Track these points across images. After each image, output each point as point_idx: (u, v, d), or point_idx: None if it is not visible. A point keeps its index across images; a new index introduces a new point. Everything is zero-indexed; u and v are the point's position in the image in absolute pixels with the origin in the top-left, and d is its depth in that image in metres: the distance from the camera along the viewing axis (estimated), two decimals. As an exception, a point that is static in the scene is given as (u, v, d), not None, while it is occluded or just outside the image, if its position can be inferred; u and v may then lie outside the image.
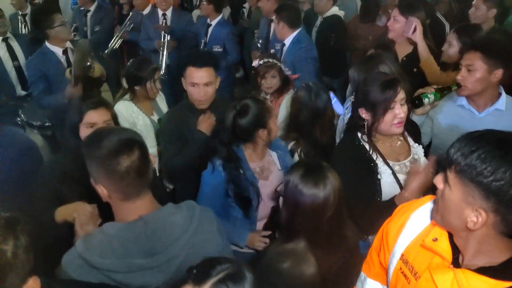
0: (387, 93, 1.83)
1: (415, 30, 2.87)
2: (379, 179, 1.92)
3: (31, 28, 4.87)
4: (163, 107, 3.10)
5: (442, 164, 1.15)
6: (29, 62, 3.60)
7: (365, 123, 1.93)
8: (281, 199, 1.68)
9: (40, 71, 3.39)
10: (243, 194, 2.07)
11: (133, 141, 1.36)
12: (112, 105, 2.21)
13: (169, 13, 4.67)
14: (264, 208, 2.11)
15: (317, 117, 2.45)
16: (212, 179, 2.08)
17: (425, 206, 1.32)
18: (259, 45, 4.33)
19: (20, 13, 4.97)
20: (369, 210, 1.87)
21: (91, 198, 1.81)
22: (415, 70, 2.94)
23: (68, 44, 3.52)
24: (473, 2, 3.62)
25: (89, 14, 5.01)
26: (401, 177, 1.94)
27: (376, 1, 4.63)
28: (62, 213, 1.86)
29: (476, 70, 2.14)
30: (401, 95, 1.85)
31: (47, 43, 3.44)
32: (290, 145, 2.44)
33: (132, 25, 5.03)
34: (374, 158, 1.93)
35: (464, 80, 2.20)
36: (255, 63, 3.03)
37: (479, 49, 2.14)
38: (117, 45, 4.98)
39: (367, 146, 1.95)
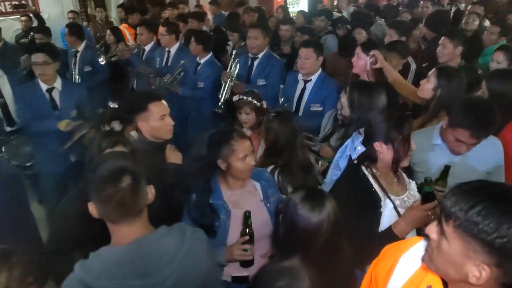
0: (406, 127, 1.93)
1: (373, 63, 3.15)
2: (381, 212, 1.97)
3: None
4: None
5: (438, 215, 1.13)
6: (16, 90, 3.78)
7: (378, 157, 1.99)
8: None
9: (24, 100, 3.57)
10: (201, 221, 2.13)
11: (123, 170, 1.41)
12: (129, 141, 2.29)
13: (173, 50, 5.07)
14: (236, 237, 2.14)
15: (289, 141, 2.55)
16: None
17: (414, 249, 1.31)
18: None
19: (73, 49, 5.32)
20: (368, 241, 1.87)
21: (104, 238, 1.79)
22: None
23: (57, 85, 3.63)
24: (440, 41, 3.81)
25: (78, 54, 5.26)
26: (402, 211, 1.99)
27: (353, 38, 4.89)
28: None
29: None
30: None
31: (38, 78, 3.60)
32: (269, 169, 2.51)
33: (135, 50, 5.35)
34: (378, 191, 1.98)
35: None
36: (234, 98, 3.15)
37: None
38: (114, 59, 5.26)
39: (371, 179, 2.00)
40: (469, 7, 6.38)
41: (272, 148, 2.58)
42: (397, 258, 1.32)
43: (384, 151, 1.97)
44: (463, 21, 5.20)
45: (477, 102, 2.21)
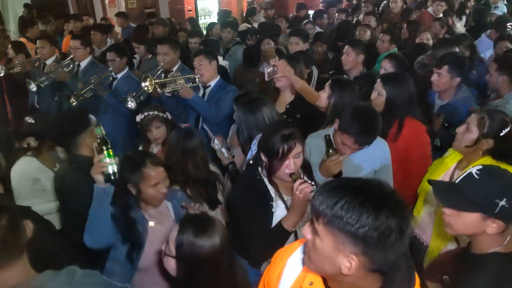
0: (284, 145, 1.94)
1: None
2: (273, 212, 2.02)
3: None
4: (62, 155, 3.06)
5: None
6: None
7: (264, 164, 2.06)
8: (169, 262, 1.61)
9: None
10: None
11: None
12: None
13: (83, 64, 4.74)
14: (148, 257, 2.07)
15: (188, 156, 2.51)
16: None
17: (298, 251, 1.38)
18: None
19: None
20: (261, 239, 1.96)
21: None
22: (298, 116, 3.22)
23: None
24: (344, 50, 4.01)
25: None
26: None
27: (258, 48, 4.94)
28: None
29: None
30: (297, 149, 1.97)
31: None
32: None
33: (37, 63, 4.98)
34: (271, 192, 2.05)
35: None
36: (138, 118, 3.02)
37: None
38: (13, 71, 4.88)
39: (266, 181, 2.07)
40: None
41: (166, 160, 2.51)
42: (285, 262, 1.39)
43: (266, 161, 2.04)
44: (357, 32, 5.52)
45: (364, 111, 2.33)
